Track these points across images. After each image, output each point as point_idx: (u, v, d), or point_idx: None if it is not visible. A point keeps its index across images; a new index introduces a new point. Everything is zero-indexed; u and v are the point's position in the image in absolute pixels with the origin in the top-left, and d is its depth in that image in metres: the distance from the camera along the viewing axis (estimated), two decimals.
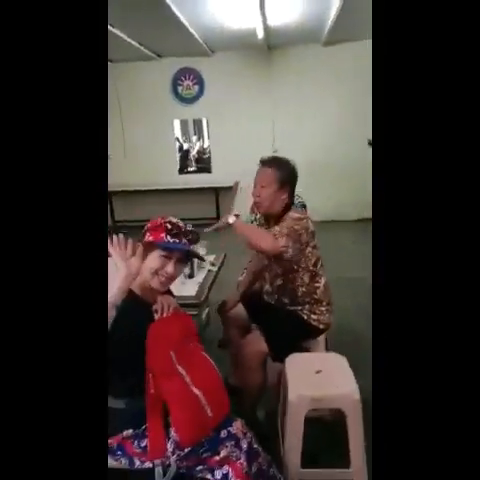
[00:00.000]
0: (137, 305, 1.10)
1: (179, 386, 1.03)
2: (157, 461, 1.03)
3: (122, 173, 5.27)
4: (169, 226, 1.13)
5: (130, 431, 1.07)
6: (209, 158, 5.64)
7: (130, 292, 1.05)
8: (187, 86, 5.34)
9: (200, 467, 1.05)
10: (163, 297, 1.19)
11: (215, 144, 5.56)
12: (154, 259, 1.10)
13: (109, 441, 1.06)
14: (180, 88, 5.35)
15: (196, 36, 4.17)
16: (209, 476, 1.03)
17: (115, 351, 0.83)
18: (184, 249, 1.13)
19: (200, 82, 5.31)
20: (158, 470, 1.02)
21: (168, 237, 1.10)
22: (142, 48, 4.53)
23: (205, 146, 5.69)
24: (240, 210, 1.77)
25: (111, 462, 1.06)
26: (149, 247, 1.11)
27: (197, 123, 5.67)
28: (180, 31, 3.85)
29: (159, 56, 5.12)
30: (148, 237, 1.13)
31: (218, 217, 5.48)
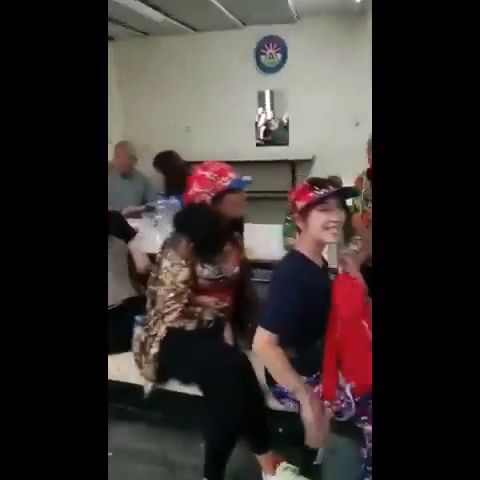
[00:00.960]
0: (310, 266, 1.21)
1: (364, 333, 1.13)
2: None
3: (202, 143, 5.44)
4: (312, 183, 1.19)
5: (304, 378, 1.17)
6: (287, 130, 5.54)
7: (303, 256, 1.20)
8: (270, 55, 5.23)
9: (364, 417, 1.14)
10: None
11: (294, 116, 5.44)
12: (316, 217, 1.16)
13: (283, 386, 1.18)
14: (263, 57, 5.26)
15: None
16: (369, 428, 1.12)
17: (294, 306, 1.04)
18: (336, 192, 1.17)
19: (283, 51, 5.17)
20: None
21: (316, 191, 1.15)
22: (231, 16, 4.52)
23: (284, 118, 5.59)
24: None
25: (278, 405, 1.24)
26: (305, 212, 1.17)
27: (277, 93, 5.56)
28: None
29: (244, 24, 5.07)
30: (300, 204, 1.19)
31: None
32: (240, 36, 5.20)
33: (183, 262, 1.30)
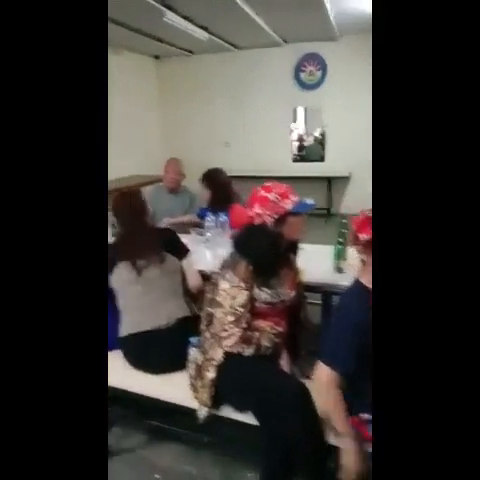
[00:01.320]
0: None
1: None
2: None
3: (240, 159, 5.50)
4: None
5: (365, 415, 1.13)
6: (323, 147, 5.51)
7: (368, 291, 1.08)
8: (310, 72, 5.25)
9: None
10: None
11: (331, 132, 5.41)
12: None
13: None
14: (303, 74, 5.29)
15: (330, 17, 4.04)
16: None
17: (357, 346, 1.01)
18: None
19: (323, 68, 5.18)
20: None
21: None
22: (273, 33, 4.59)
23: (320, 134, 5.57)
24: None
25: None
26: (371, 246, 1.07)
27: (315, 110, 5.55)
28: (315, 12, 3.79)
29: (285, 42, 5.13)
30: (363, 237, 1.14)
31: (330, 207, 5.41)
32: (281, 53, 5.27)
33: (242, 285, 1.28)
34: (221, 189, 2.34)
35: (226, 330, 1.26)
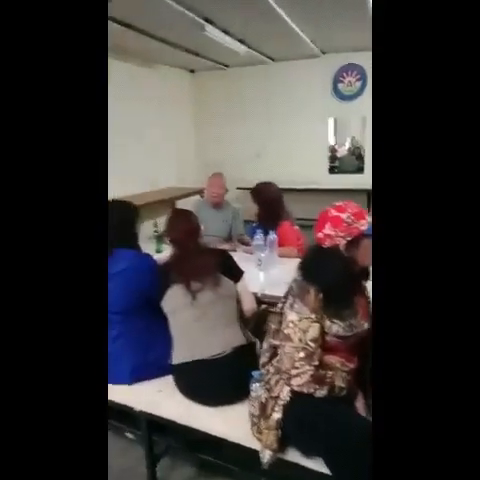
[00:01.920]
0: None
1: None
2: None
3: (275, 171, 5.41)
4: None
5: None
6: (362, 158, 5.34)
7: None
8: (348, 83, 5.12)
9: None
10: None
11: (369, 144, 5.23)
12: None
13: None
14: (341, 85, 5.17)
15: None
16: None
17: None
18: None
19: (363, 78, 5.04)
20: None
21: None
22: (312, 45, 4.51)
23: (354, 145, 5.42)
24: None
25: None
26: None
27: (353, 121, 5.42)
28: (357, 22, 3.68)
29: (323, 53, 5.04)
30: None
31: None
32: (318, 64, 5.18)
33: (313, 316, 1.15)
34: (270, 205, 2.24)
35: (296, 368, 1.13)
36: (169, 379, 1.54)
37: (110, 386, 1.55)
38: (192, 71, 5.94)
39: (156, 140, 5.24)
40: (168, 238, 1.57)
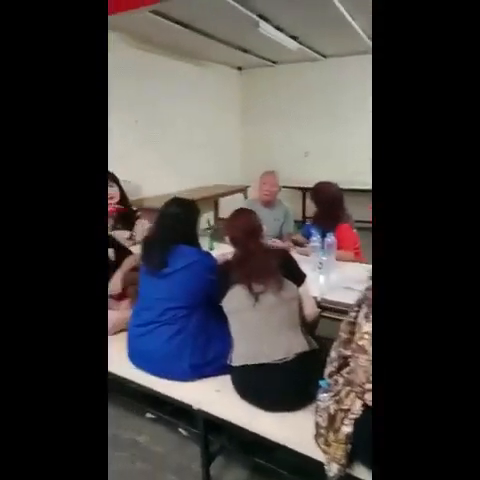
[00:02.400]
0: None
1: None
2: None
3: (323, 170, 5.29)
4: None
5: None
6: None
7: None
8: None
9: None
10: None
11: None
12: None
13: None
14: None
15: None
16: None
17: None
18: None
19: None
20: None
21: None
22: (368, 40, 4.36)
23: None
24: None
25: None
26: None
27: None
28: None
29: None
30: None
31: None
32: (369, 60, 4.99)
33: None
34: (329, 205, 2.17)
35: (371, 382, 1.08)
36: (226, 379, 1.52)
37: (168, 382, 1.57)
38: (239, 68, 5.93)
39: (203, 137, 5.29)
40: (228, 237, 1.56)
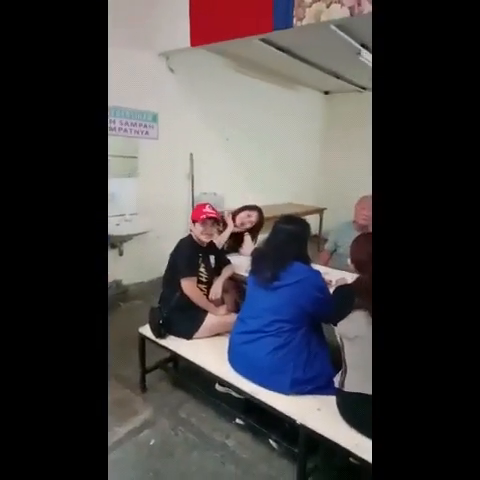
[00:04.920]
0: None
1: None
2: None
3: None
4: None
5: None
6: None
7: None
8: None
9: None
10: None
11: None
12: None
13: None
14: None
15: None
16: None
17: None
18: None
19: None
20: None
21: None
22: None
23: None
24: None
25: None
26: None
27: None
28: None
29: None
30: None
31: None
32: None
33: None
34: None
35: None
36: (326, 399, 1.54)
37: (269, 392, 1.62)
38: (326, 93, 6.03)
39: (286, 156, 5.42)
40: (353, 261, 1.58)
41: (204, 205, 2.17)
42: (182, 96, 3.84)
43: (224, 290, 2.29)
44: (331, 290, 1.72)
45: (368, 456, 1.33)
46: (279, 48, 3.78)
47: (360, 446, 1.36)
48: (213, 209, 2.15)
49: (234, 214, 2.71)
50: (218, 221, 2.21)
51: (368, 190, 3.85)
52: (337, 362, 1.60)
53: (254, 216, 2.71)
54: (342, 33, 3.22)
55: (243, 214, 2.71)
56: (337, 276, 2.14)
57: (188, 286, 2.05)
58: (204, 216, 2.08)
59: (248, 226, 2.71)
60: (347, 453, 1.38)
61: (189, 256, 2.09)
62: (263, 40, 3.50)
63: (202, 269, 2.15)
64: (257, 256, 1.80)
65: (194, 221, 2.12)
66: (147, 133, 3.57)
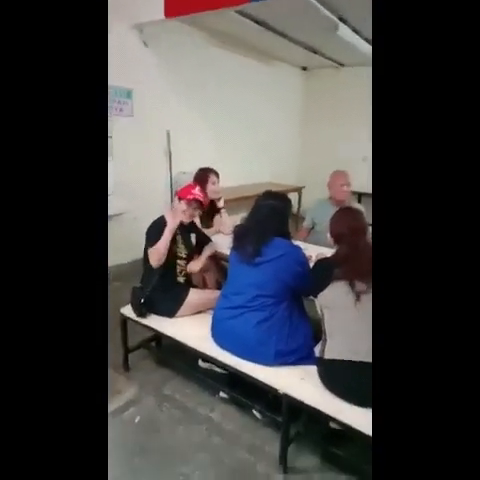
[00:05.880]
0: None
1: None
2: None
3: None
4: None
5: None
6: None
7: None
8: None
9: None
10: None
11: None
12: None
13: None
14: None
15: None
16: None
17: None
18: None
19: None
20: None
21: None
22: None
23: None
24: None
25: None
26: None
27: None
28: None
29: None
30: None
31: None
32: None
33: None
34: None
35: None
36: (309, 369, 1.59)
37: (253, 365, 1.65)
38: (304, 68, 5.95)
39: (263, 135, 5.36)
40: (332, 234, 1.60)
41: (194, 186, 2.15)
42: (157, 71, 3.70)
43: (205, 269, 2.29)
44: (311, 265, 1.76)
45: (349, 421, 1.39)
46: (256, 21, 3.68)
47: (342, 412, 1.42)
48: (202, 192, 2.13)
49: (200, 183, 2.46)
50: (203, 206, 2.18)
51: (345, 166, 3.88)
52: (317, 335, 1.65)
53: (216, 180, 2.63)
54: (319, 4, 3.16)
55: (211, 187, 2.59)
56: (316, 251, 2.17)
57: (151, 253, 1.98)
58: (191, 197, 2.06)
59: (220, 194, 2.64)
60: (329, 419, 1.44)
61: (155, 232, 2.00)
62: (240, 12, 3.40)
63: (181, 245, 2.13)
64: (239, 232, 1.80)
65: (180, 198, 2.09)
66: (121, 110, 3.44)
